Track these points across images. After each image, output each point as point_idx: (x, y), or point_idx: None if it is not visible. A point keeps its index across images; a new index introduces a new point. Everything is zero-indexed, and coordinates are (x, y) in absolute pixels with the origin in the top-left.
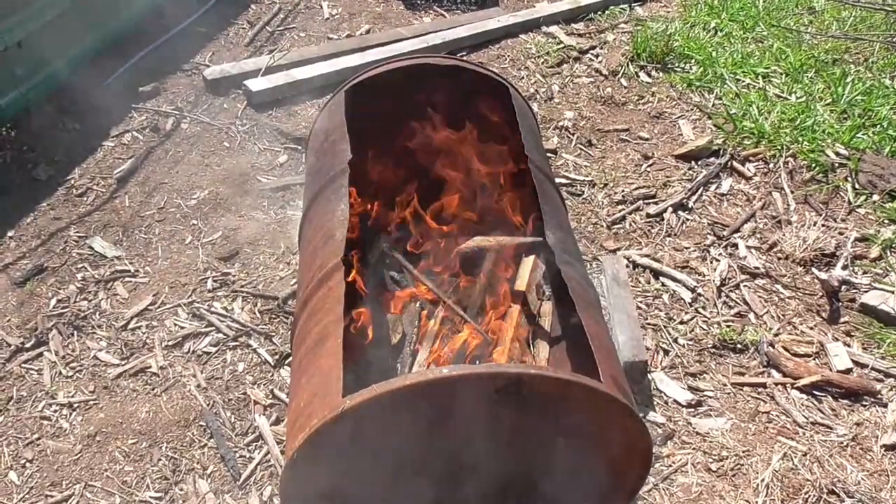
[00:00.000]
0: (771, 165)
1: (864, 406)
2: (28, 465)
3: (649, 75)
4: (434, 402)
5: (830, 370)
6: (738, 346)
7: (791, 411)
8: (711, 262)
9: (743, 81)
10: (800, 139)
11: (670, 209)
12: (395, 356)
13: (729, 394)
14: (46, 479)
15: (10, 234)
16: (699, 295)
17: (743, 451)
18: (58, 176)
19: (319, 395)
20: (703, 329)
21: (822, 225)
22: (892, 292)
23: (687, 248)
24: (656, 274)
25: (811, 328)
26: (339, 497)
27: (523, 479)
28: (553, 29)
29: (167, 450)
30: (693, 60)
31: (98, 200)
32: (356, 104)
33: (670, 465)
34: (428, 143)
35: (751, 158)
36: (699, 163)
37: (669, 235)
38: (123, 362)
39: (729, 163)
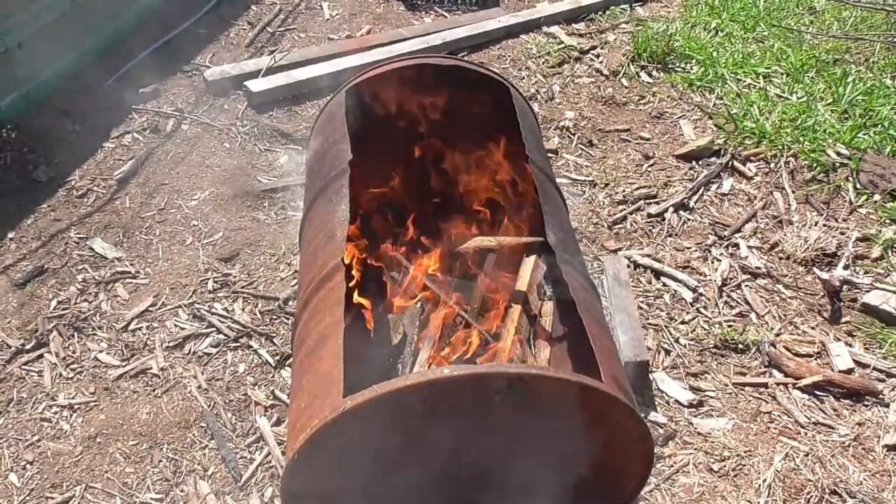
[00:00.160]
0: (772, 165)
1: (866, 406)
2: (28, 466)
3: (650, 75)
4: (435, 403)
5: (832, 370)
6: (740, 346)
7: (793, 411)
8: (713, 262)
9: (744, 81)
10: (801, 139)
11: (671, 209)
12: (396, 356)
13: (730, 394)
14: (47, 480)
15: (10, 235)
16: (700, 295)
17: (745, 452)
18: (58, 177)
19: (320, 395)
20: (705, 329)
21: (824, 225)
22: (894, 292)
23: (688, 248)
24: (657, 274)
25: (813, 328)
26: (341, 497)
27: (525, 479)
28: (554, 29)
29: (168, 451)
30: (694, 60)
31: (98, 202)
32: (357, 105)
33: (672, 466)
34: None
35: (752, 158)
36: (700, 163)
37: (670, 235)
38: (124, 364)
39: (730, 163)
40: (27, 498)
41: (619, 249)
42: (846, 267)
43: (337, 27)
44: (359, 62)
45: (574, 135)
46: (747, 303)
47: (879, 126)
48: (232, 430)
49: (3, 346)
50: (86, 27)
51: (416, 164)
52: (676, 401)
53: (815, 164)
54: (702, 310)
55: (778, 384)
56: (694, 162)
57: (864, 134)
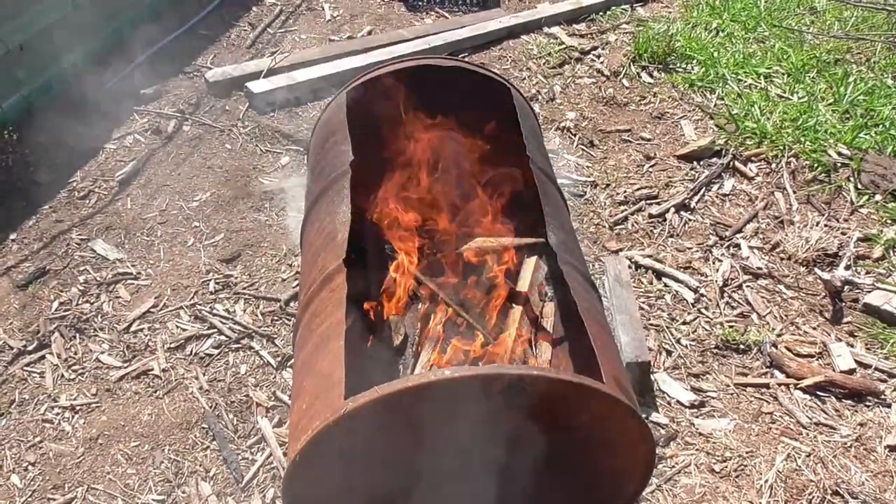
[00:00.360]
0: (773, 165)
1: (868, 406)
2: (30, 468)
3: (651, 76)
4: (436, 404)
5: (834, 371)
6: (741, 346)
7: (794, 412)
8: (714, 263)
9: (745, 82)
10: (802, 139)
11: (672, 210)
12: (398, 358)
13: (732, 394)
14: (49, 482)
15: (12, 236)
16: (702, 295)
17: (746, 452)
18: (60, 178)
19: (322, 397)
20: (706, 330)
21: (825, 225)
22: (895, 292)
23: (689, 248)
24: (659, 274)
25: (814, 328)
26: (343, 499)
27: (526, 480)
28: (555, 30)
29: (169, 452)
30: (695, 61)
31: (100, 203)
32: (358, 106)
33: (673, 467)
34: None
35: (753, 159)
36: (701, 163)
37: (672, 236)
38: (125, 365)
39: (731, 163)
40: (29, 499)
41: (621, 250)
42: (847, 267)
43: (338, 28)
44: (360, 63)
45: (575, 135)
46: (749, 303)
47: (880, 126)
48: (233, 432)
49: (5, 347)
50: (87, 29)
51: (417, 165)
52: (678, 401)
53: (816, 165)
54: (703, 310)
55: (779, 385)
56: (695, 162)
57: (866, 134)
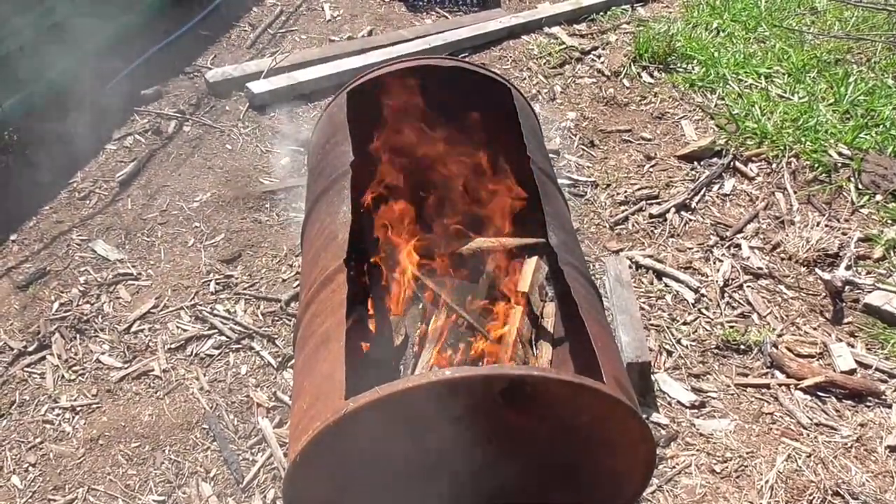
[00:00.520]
0: (774, 166)
1: (868, 407)
2: (31, 469)
3: (651, 76)
4: (437, 404)
5: (834, 371)
6: (742, 346)
7: (795, 412)
8: (714, 263)
9: (745, 82)
10: (802, 139)
11: (673, 210)
12: (398, 358)
13: (732, 395)
14: (49, 482)
15: (12, 237)
16: (702, 296)
17: (747, 453)
18: (60, 179)
19: (322, 397)
20: (707, 330)
21: (826, 225)
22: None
23: (690, 248)
24: (659, 275)
25: (815, 329)
26: (343, 499)
27: (527, 480)
28: (555, 30)
29: (170, 453)
30: (695, 61)
31: (100, 203)
32: (358, 106)
33: (674, 467)
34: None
35: (753, 159)
36: (702, 163)
37: (672, 236)
38: (126, 365)
39: (731, 163)
40: (29, 500)
41: (621, 250)
42: (848, 267)
43: (338, 28)
44: (360, 63)
45: (575, 135)
46: (749, 303)
47: (881, 126)
48: (234, 432)
49: (6, 348)
50: (88, 29)
51: (417, 166)
52: (678, 402)
53: (816, 165)
54: (704, 310)
55: (780, 385)
56: (695, 162)
57: (866, 134)
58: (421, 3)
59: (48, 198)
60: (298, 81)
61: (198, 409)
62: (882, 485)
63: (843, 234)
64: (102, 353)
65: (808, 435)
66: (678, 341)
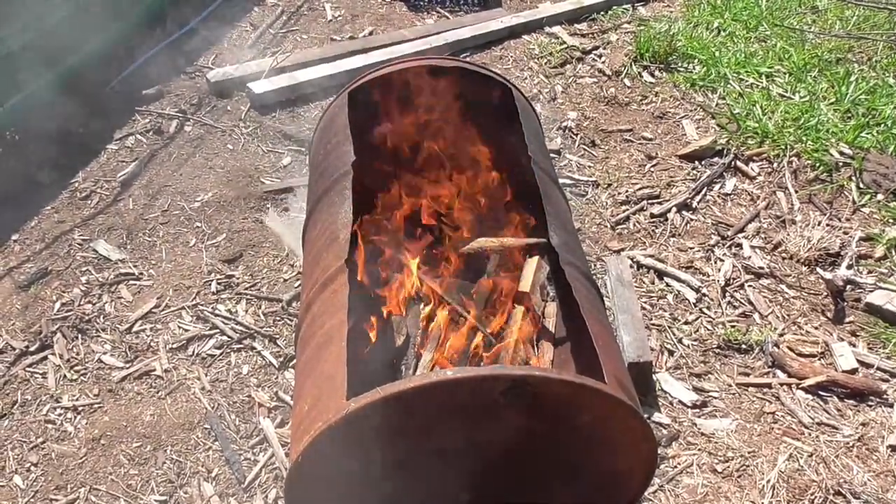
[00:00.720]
0: (775, 165)
1: (870, 406)
2: (33, 468)
3: (652, 75)
4: (438, 405)
5: (836, 370)
6: (743, 346)
7: (796, 412)
8: (716, 262)
9: (746, 81)
10: (804, 138)
11: (674, 209)
12: (399, 358)
13: (734, 394)
14: (51, 482)
15: (14, 237)
16: (704, 295)
17: (748, 452)
18: (62, 179)
19: (324, 397)
20: (708, 329)
21: (827, 224)
22: None
23: (691, 248)
24: (660, 274)
25: (816, 328)
26: (345, 500)
27: (528, 481)
28: (556, 29)
29: (172, 453)
30: (696, 60)
31: (102, 203)
32: (359, 106)
33: (675, 467)
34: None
35: (754, 158)
36: (703, 163)
37: (673, 236)
38: (128, 365)
39: (733, 162)
40: (31, 500)
41: (622, 250)
42: (849, 266)
43: (339, 28)
44: (361, 63)
45: (577, 135)
46: (750, 303)
47: (882, 125)
48: (236, 432)
49: (8, 348)
50: (89, 30)
51: (418, 166)
52: (680, 401)
53: (818, 164)
54: (705, 310)
55: (781, 384)
56: (697, 162)
57: (867, 133)
58: (422, 3)
59: (50, 198)
60: (300, 81)
61: (199, 409)
62: (884, 484)
63: (845, 233)
64: (104, 353)
65: (810, 434)
66: (679, 341)
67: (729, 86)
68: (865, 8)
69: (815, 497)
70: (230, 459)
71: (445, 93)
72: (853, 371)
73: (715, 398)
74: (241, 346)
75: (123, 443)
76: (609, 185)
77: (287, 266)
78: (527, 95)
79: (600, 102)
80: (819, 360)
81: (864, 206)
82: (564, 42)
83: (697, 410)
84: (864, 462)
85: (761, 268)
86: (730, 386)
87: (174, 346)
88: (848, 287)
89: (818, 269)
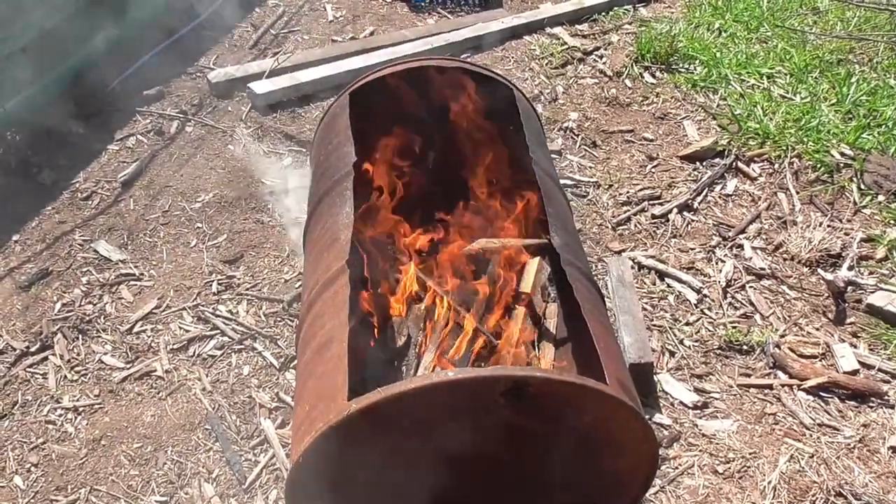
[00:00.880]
0: (776, 166)
1: (871, 407)
2: (33, 469)
3: (654, 76)
4: (439, 406)
5: (837, 371)
6: (744, 347)
7: (798, 413)
8: (717, 263)
9: (747, 82)
10: (805, 139)
11: (675, 210)
12: (400, 359)
13: (735, 395)
14: (52, 483)
15: (14, 238)
16: (705, 296)
17: (749, 453)
18: (62, 180)
19: (325, 398)
20: (709, 330)
21: (828, 225)
22: None
23: (692, 249)
24: (662, 275)
25: (817, 329)
26: (346, 501)
27: (529, 482)
28: (557, 30)
29: (172, 454)
30: (697, 61)
31: (103, 204)
32: (360, 106)
33: (676, 468)
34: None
35: (756, 159)
36: (704, 164)
37: (675, 236)
38: (128, 366)
39: (734, 163)
40: (32, 501)
41: (624, 251)
42: (851, 268)
43: (340, 29)
44: (363, 64)
45: (578, 136)
46: (752, 304)
47: (883, 126)
48: (236, 433)
49: (8, 348)
50: (89, 30)
51: (419, 166)
52: (681, 402)
53: (819, 165)
54: (706, 311)
55: (783, 385)
56: (698, 163)
57: (868, 134)
58: (423, 4)
59: (50, 198)
60: (301, 82)
61: (200, 410)
62: (885, 485)
63: (846, 234)
64: (105, 354)
65: (811, 435)
66: (681, 342)
67: (730, 87)
68: (866, 9)
69: (817, 498)
70: (231, 460)
71: (446, 93)
72: (854, 372)
73: (716, 399)
74: (242, 346)
75: (124, 443)
76: (610, 185)
77: (288, 267)
78: (528, 96)
79: (601, 103)
80: (820, 361)
81: (865, 207)
82: (565, 43)
83: (698, 411)
84: (866, 463)
85: (762, 269)
86: (731, 387)
87: (175, 346)
88: (849, 288)
89: (819, 270)
